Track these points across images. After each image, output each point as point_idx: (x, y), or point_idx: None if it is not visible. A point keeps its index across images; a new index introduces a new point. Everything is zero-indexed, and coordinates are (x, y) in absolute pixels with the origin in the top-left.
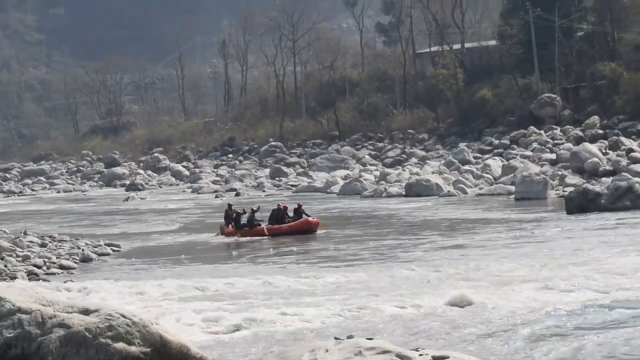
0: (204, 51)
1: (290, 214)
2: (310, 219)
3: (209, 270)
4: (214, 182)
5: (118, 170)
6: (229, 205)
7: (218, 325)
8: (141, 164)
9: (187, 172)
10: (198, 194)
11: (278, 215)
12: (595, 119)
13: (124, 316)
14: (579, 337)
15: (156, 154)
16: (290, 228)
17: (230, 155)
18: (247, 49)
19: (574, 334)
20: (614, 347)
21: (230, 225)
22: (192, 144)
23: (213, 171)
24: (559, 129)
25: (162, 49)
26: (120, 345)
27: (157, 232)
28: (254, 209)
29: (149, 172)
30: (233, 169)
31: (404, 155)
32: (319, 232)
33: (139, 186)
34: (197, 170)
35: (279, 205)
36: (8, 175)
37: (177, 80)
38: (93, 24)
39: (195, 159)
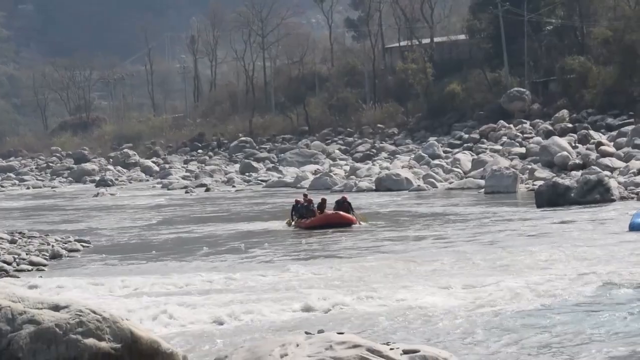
0: (173, 47)
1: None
2: (329, 212)
3: (179, 265)
4: (183, 178)
5: (87, 166)
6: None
7: (188, 320)
8: (111, 160)
9: (156, 168)
10: (168, 189)
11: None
12: (564, 112)
13: (94, 312)
14: (548, 328)
15: (126, 150)
16: (312, 222)
17: (200, 151)
18: (216, 44)
19: (545, 326)
20: (589, 335)
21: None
22: (161, 139)
23: (183, 167)
24: (528, 122)
25: (131, 45)
26: (90, 341)
27: (127, 227)
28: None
29: (119, 168)
30: (203, 165)
31: (373, 150)
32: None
33: (109, 182)
34: (166, 166)
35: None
36: None
37: (146, 76)
38: (62, 20)
39: (164, 155)
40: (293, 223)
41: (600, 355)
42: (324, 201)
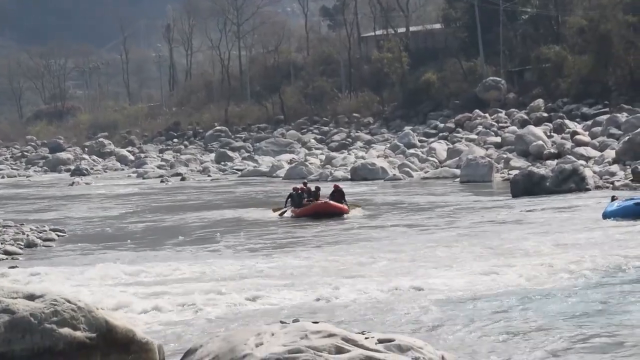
0: (148, 35)
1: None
2: (320, 201)
3: (154, 254)
4: (159, 167)
5: (63, 155)
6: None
7: (163, 309)
8: (86, 149)
9: (132, 157)
10: (143, 178)
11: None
12: (540, 102)
13: (69, 301)
14: (520, 315)
15: (101, 139)
16: (301, 212)
17: (176, 140)
18: (192, 33)
19: (517, 312)
20: (556, 320)
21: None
22: (137, 128)
23: (158, 156)
24: (503, 112)
25: (106, 34)
26: (65, 330)
27: (102, 217)
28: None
29: (94, 157)
30: (178, 154)
31: (349, 139)
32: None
33: (84, 171)
34: (142, 155)
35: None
36: None
37: (121, 65)
38: (37, 7)
39: (140, 144)
40: (287, 213)
41: (568, 341)
42: (317, 189)
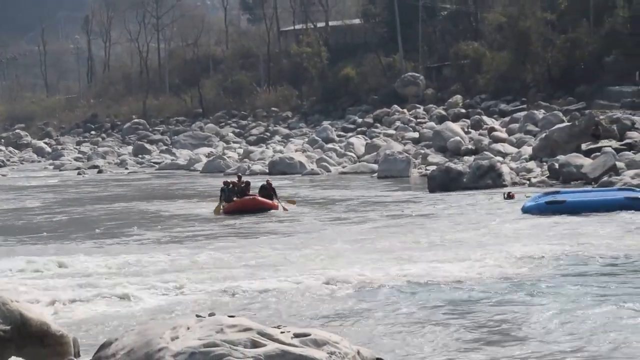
0: (66, 27)
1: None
2: (247, 197)
3: (68, 247)
4: (76, 159)
5: None
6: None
7: (77, 302)
8: (2, 141)
9: (49, 149)
10: (60, 170)
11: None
12: (458, 98)
13: None
14: (434, 309)
15: (18, 131)
16: (229, 208)
17: (93, 132)
18: (110, 25)
19: (430, 306)
20: (464, 314)
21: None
22: (54, 120)
23: (75, 148)
24: (422, 107)
25: (24, 25)
26: None
27: (18, 209)
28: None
29: (10, 148)
30: (96, 146)
31: (267, 133)
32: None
33: (0, 163)
34: (59, 147)
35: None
36: None
37: (39, 56)
38: None
39: (57, 136)
40: (221, 209)
41: (478, 331)
42: (247, 185)
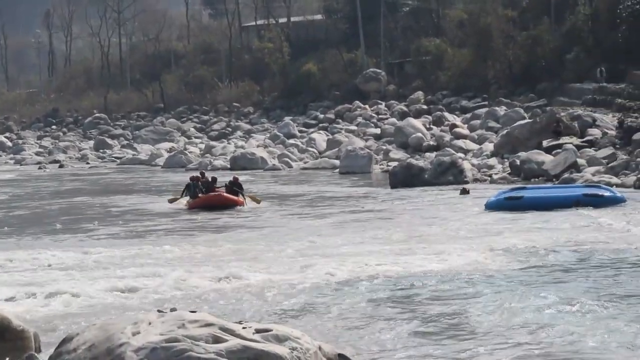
0: (27, 21)
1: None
2: (212, 193)
3: (29, 242)
4: (37, 154)
5: None
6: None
7: (38, 297)
8: None
9: (9, 143)
10: (21, 165)
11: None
12: (419, 94)
13: None
14: (405, 304)
15: None
16: (194, 204)
17: (54, 127)
18: (72, 19)
19: (395, 304)
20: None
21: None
22: (15, 114)
23: (36, 142)
24: (383, 103)
25: None
26: None
27: None
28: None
29: None
30: (57, 141)
31: (229, 129)
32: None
33: None
34: (19, 141)
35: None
36: None
37: None
38: None
39: (18, 130)
40: (180, 201)
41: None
42: (214, 180)
